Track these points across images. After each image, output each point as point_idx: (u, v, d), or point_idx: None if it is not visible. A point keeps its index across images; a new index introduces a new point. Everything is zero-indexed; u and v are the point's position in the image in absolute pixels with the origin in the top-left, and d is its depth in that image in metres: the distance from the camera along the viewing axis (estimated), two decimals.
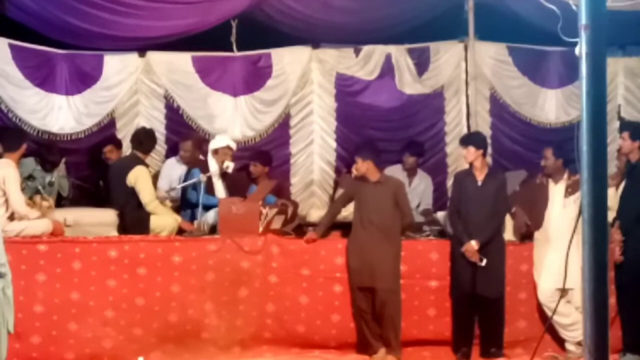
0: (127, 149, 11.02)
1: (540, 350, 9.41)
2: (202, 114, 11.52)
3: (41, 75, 11.10)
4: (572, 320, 9.70)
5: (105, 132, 11.35)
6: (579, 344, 9.55)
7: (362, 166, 9.85)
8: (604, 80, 4.57)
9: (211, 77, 11.54)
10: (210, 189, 10.45)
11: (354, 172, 10.22)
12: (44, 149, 10.74)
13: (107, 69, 11.29)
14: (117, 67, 11.32)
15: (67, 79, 11.18)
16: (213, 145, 10.72)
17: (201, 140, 11.22)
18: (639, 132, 9.77)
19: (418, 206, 11.15)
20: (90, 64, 11.27)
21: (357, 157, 9.99)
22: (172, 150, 11.50)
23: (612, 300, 9.14)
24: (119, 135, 11.36)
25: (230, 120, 11.56)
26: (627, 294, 9.37)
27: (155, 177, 11.04)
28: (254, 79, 11.65)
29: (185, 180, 10.60)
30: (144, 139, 10.58)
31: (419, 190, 11.42)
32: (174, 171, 11.10)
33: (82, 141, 11.31)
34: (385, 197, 9.75)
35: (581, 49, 4.54)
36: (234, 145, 10.81)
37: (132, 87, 11.41)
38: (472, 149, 9.82)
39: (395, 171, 11.14)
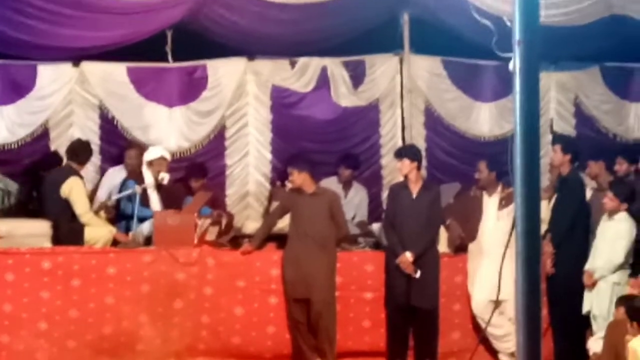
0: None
1: None
2: (137, 124, 11.44)
3: None
4: (505, 332, 9.80)
5: (39, 143, 11.24)
6: (512, 354, 9.65)
7: (298, 178, 9.87)
8: (537, 94, 4.61)
9: (146, 88, 11.47)
10: (145, 200, 10.39)
11: (289, 184, 10.24)
12: None
13: (41, 79, 11.18)
14: (51, 77, 11.22)
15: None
16: (147, 156, 10.65)
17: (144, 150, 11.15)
18: (570, 145, 9.94)
19: (353, 218, 11.17)
20: (23, 73, 11.17)
21: (293, 168, 10.00)
22: (107, 161, 11.43)
23: (545, 311, 9.25)
24: (52, 146, 11.25)
25: (165, 131, 11.49)
26: (558, 306, 9.49)
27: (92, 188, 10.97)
28: (190, 90, 11.60)
29: (120, 192, 10.53)
30: (79, 151, 10.49)
31: (355, 203, 11.43)
32: (114, 181, 10.99)
33: (15, 152, 11.19)
34: (320, 209, 9.78)
35: (515, 64, 4.59)
36: (168, 156, 10.76)
37: (66, 97, 11.29)
38: (406, 161, 9.87)
39: (330, 183, 11.15)
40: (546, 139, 11.47)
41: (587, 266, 9.38)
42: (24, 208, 10.76)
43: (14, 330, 9.41)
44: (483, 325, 9.74)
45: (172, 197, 10.63)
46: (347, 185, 11.46)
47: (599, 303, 9.27)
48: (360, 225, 11.04)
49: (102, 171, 11.43)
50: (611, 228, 9.41)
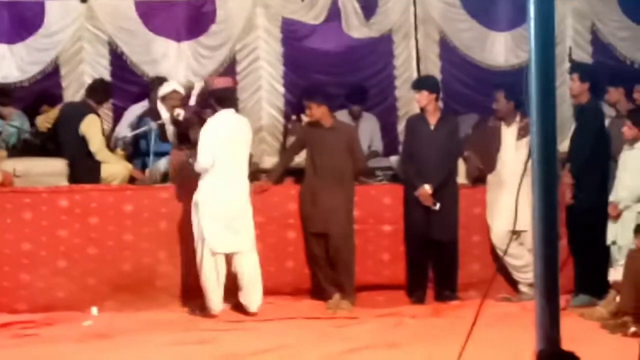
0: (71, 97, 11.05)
1: (493, 292, 9.50)
2: (146, 59, 11.40)
3: None
4: (525, 262, 9.75)
5: (50, 80, 11.24)
6: (531, 285, 9.61)
7: (317, 111, 9.76)
8: (552, 22, 4.54)
9: (154, 23, 11.43)
10: (164, 136, 10.40)
11: (305, 118, 10.16)
12: None
13: (49, 16, 11.15)
14: (59, 13, 11.18)
15: (8, 27, 11.04)
16: (161, 92, 10.64)
17: None
18: (588, 73, 9.80)
19: (369, 147, 11.11)
20: (32, 10, 11.15)
21: (311, 102, 9.89)
22: (119, 98, 11.39)
23: (564, 242, 9.22)
24: (64, 83, 11.28)
25: (174, 65, 11.44)
26: (579, 236, 9.44)
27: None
28: (198, 24, 11.54)
29: (137, 128, 10.52)
30: (99, 89, 10.51)
31: (368, 132, 11.31)
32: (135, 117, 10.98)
33: (27, 89, 11.19)
34: (338, 143, 9.71)
35: None
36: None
37: (76, 33, 11.27)
38: (425, 92, 9.79)
39: (340, 116, 11.03)
40: (563, 67, 11.33)
41: (612, 198, 9.28)
42: (34, 146, 10.76)
43: (33, 268, 9.44)
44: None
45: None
46: (356, 117, 11.34)
47: (625, 233, 9.11)
48: (371, 155, 10.94)
49: (115, 108, 11.43)
50: (633, 157, 9.27)
